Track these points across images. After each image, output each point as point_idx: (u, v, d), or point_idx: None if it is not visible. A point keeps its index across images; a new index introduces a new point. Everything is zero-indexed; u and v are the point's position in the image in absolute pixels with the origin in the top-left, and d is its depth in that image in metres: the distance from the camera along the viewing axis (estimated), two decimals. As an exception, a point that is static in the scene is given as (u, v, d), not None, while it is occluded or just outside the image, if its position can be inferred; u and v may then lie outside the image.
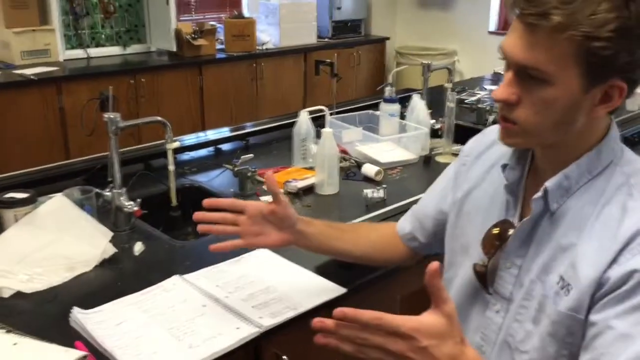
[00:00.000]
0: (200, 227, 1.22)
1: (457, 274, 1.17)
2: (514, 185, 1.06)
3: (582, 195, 0.96)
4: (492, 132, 1.17)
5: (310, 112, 2.08)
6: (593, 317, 0.90)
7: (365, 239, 1.34)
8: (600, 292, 0.90)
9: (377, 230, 1.39)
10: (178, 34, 4.30)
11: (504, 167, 1.07)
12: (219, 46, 4.58)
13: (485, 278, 1.08)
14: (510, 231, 1.04)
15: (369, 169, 2.00)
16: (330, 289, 1.32)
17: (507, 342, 1.04)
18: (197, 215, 1.20)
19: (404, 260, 1.37)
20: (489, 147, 1.16)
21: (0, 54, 3.94)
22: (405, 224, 1.33)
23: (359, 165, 2.07)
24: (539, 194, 0.98)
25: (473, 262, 1.10)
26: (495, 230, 1.06)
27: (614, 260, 0.89)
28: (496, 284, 1.06)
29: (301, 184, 1.88)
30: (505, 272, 1.05)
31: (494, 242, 1.06)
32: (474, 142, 1.21)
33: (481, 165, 1.16)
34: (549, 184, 0.97)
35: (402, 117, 2.44)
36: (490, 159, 1.15)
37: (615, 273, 0.88)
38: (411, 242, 1.32)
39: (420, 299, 1.40)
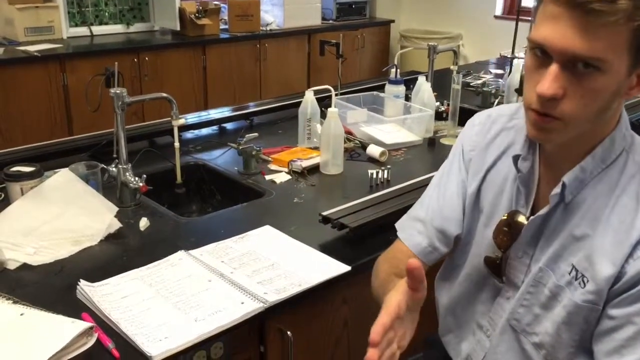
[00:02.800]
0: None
1: (466, 260, 1.16)
2: (527, 176, 1.04)
3: (596, 186, 0.95)
4: (495, 122, 1.14)
5: (316, 92, 2.07)
6: (612, 311, 0.91)
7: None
8: (617, 286, 0.91)
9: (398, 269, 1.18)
10: (182, 12, 4.27)
11: (516, 158, 1.04)
12: (222, 26, 4.56)
13: (497, 267, 1.07)
14: (521, 218, 1.02)
15: (373, 150, 2.00)
16: (334, 267, 1.33)
17: (510, 326, 1.05)
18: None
19: None
20: (494, 138, 1.13)
21: (4, 30, 3.92)
22: (417, 238, 1.17)
23: (363, 146, 2.07)
24: (557, 189, 0.96)
25: (480, 250, 1.10)
26: (506, 221, 1.05)
27: (630, 255, 0.90)
28: (508, 273, 1.06)
29: (306, 163, 1.88)
30: (517, 262, 1.05)
31: (506, 233, 1.04)
32: (476, 136, 1.15)
33: (489, 157, 1.12)
34: (566, 178, 0.95)
35: (407, 98, 2.44)
36: (498, 149, 1.11)
37: (632, 268, 0.89)
38: (429, 255, 1.16)
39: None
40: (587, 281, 0.93)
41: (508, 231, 1.04)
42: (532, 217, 1.01)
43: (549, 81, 0.85)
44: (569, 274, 0.96)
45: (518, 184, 1.05)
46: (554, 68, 0.85)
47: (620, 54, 0.83)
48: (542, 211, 1.00)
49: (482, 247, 1.10)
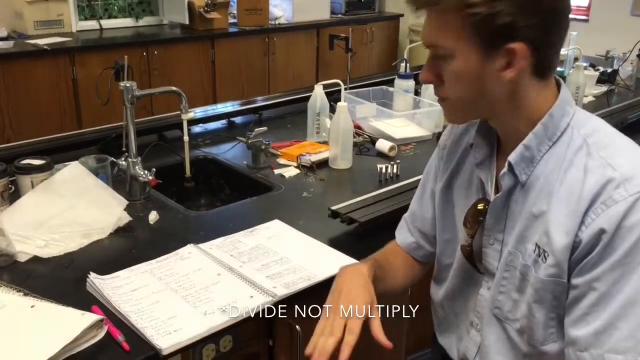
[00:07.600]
0: None
1: (454, 258, 1.17)
2: (485, 163, 1.07)
3: (547, 163, 0.98)
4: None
5: (325, 87, 2.07)
6: (575, 280, 0.93)
7: (399, 270, 1.27)
8: (575, 255, 0.93)
9: (397, 256, 1.29)
10: (191, 6, 4.27)
11: (470, 145, 1.09)
12: (231, 20, 4.56)
13: (471, 256, 1.10)
14: (482, 205, 1.06)
15: (383, 145, 1.99)
16: (343, 261, 1.32)
17: (494, 316, 1.07)
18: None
19: (419, 274, 1.31)
20: (463, 133, 1.16)
21: (14, 23, 3.93)
22: (405, 235, 1.28)
23: (372, 140, 2.06)
24: (505, 169, 1.00)
25: (461, 244, 1.12)
26: (474, 209, 1.08)
27: (582, 222, 0.91)
28: (484, 262, 1.08)
29: (315, 157, 1.88)
30: (489, 249, 1.07)
31: (474, 221, 1.07)
32: (448, 134, 1.20)
33: (458, 152, 1.16)
34: (511, 157, 0.99)
35: (417, 93, 2.43)
36: (466, 143, 1.14)
37: (585, 235, 0.91)
38: (415, 251, 1.27)
39: (428, 276, 1.41)
40: (548, 255, 0.95)
41: (475, 219, 1.07)
42: (491, 201, 1.04)
43: (423, 70, 0.99)
44: (534, 252, 0.98)
45: (477, 172, 1.08)
46: (428, 58, 0.98)
47: (458, 39, 0.91)
48: (499, 194, 1.02)
49: (461, 239, 1.12)
